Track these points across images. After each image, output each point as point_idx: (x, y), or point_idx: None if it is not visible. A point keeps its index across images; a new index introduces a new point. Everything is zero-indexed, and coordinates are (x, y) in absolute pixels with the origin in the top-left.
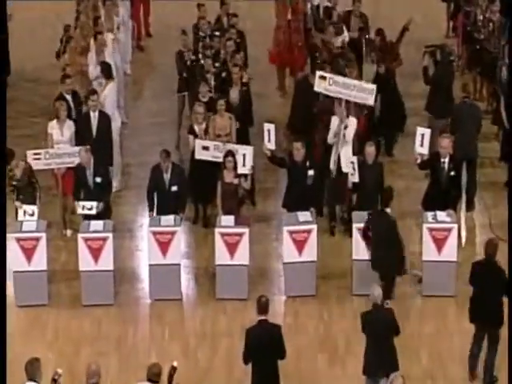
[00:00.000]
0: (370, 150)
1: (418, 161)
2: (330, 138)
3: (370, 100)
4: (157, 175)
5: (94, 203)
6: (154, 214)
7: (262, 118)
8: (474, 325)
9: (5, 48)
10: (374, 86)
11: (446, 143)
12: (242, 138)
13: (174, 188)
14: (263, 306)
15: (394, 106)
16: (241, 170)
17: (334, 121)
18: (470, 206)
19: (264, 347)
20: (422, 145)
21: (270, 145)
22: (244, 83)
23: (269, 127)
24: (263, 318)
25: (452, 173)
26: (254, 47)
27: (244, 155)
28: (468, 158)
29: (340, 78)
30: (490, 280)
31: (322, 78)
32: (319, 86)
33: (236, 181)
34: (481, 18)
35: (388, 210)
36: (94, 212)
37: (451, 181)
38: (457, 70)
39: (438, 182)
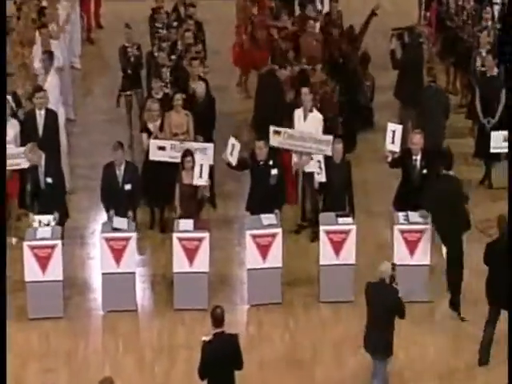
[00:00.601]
0: (338, 147)
1: (389, 159)
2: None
3: (328, 151)
4: (109, 173)
5: (51, 217)
6: (112, 213)
7: (223, 113)
8: (490, 308)
9: None
10: (330, 138)
11: (417, 139)
12: (206, 136)
13: (128, 186)
14: (218, 318)
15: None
16: (197, 182)
17: (297, 115)
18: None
19: (222, 360)
20: (392, 142)
21: (232, 159)
22: (201, 77)
23: (233, 142)
24: (219, 330)
25: (424, 170)
26: (213, 38)
27: (201, 166)
28: (434, 147)
29: (295, 131)
30: (505, 258)
31: (276, 132)
32: (274, 141)
33: (202, 180)
34: (454, 5)
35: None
36: (52, 225)
37: (423, 179)
38: (427, 54)
39: (409, 181)
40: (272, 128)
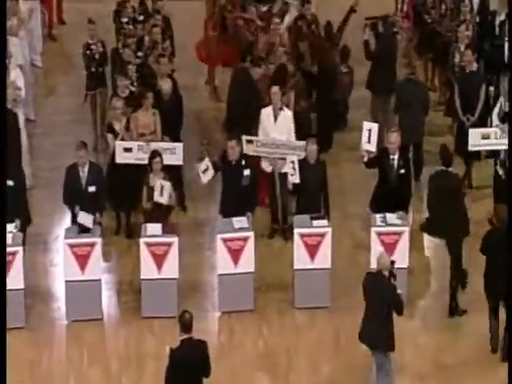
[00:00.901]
0: (312, 148)
1: (365, 159)
2: (260, 136)
3: (303, 155)
4: (72, 174)
5: (12, 225)
6: (77, 209)
7: (191, 112)
8: (488, 300)
9: None
10: (303, 143)
11: (394, 138)
12: (173, 136)
13: (92, 188)
14: (187, 324)
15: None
16: (158, 199)
17: (265, 114)
18: (416, 178)
19: (190, 367)
20: (369, 141)
21: (204, 177)
22: (169, 75)
23: (208, 164)
24: (187, 336)
25: (402, 170)
26: (181, 34)
27: (162, 186)
28: (414, 142)
29: (268, 139)
30: (503, 249)
31: (249, 142)
32: (248, 150)
33: (164, 183)
34: None
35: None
36: (14, 231)
37: (401, 179)
38: (403, 45)
39: (386, 181)
40: (244, 137)
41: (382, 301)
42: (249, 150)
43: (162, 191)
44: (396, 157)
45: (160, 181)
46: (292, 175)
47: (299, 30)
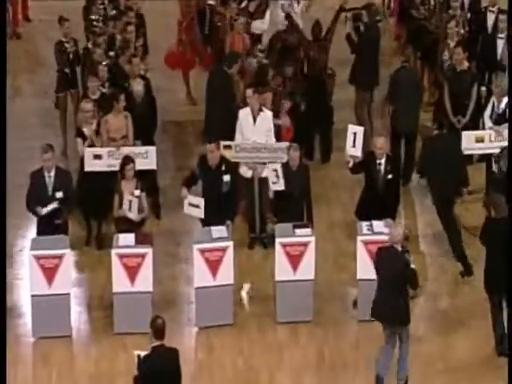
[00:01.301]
0: (295, 154)
1: (350, 164)
2: (238, 139)
3: (285, 159)
4: (38, 180)
5: None
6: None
7: (165, 115)
8: (491, 297)
9: None
10: (286, 144)
11: (381, 143)
12: (146, 140)
13: (59, 194)
14: (159, 330)
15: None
16: (127, 214)
17: (243, 115)
18: (405, 183)
19: (161, 376)
20: (354, 145)
21: (196, 201)
22: (142, 76)
23: (191, 200)
24: (159, 343)
25: (389, 176)
26: (155, 32)
27: (130, 202)
28: (408, 133)
29: (247, 143)
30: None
31: (227, 147)
32: (226, 156)
33: (137, 192)
34: None
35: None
36: None
37: (388, 185)
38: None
39: (373, 187)
40: (222, 143)
41: (395, 275)
42: (227, 155)
43: (131, 206)
44: (383, 161)
45: (128, 196)
46: (274, 183)
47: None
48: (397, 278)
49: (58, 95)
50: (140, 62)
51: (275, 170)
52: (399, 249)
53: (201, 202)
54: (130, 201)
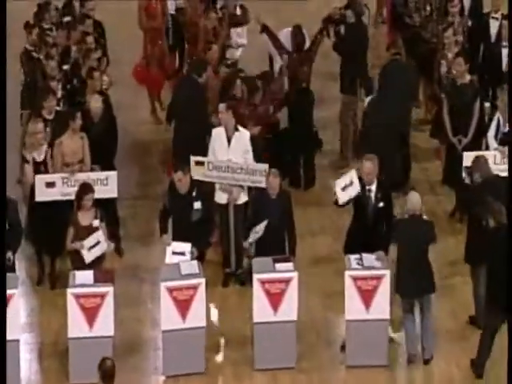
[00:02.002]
0: (274, 182)
1: (338, 196)
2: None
3: (263, 183)
4: None
5: None
6: None
7: (127, 136)
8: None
9: None
10: (265, 166)
11: (369, 168)
12: (106, 164)
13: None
14: (108, 373)
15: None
16: (85, 257)
17: (216, 135)
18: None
19: None
20: (344, 190)
21: (181, 248)
22: (102, 91)
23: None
24: None
25: (381, 204)
26: (115, 42)
27: (81, 246)
28: (399, 136)
29: (222, 161)
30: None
31: (199, 163)
32: (196, 173)
33: (96, 222)
34: None
35: None
36: None
37: (379, 214)
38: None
39: (362, 218)
40: (193, 158)
41: (421, 242)
42: (198, 173)
43: (91, 249)
44: (373, 188)
45: (81, 244)
46: (257, 233)
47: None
48: (422, 245)
49: (22, 112)
50: (101, 76)
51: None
52: (418, 214)
53: (187, 247)
54: (82, 246)
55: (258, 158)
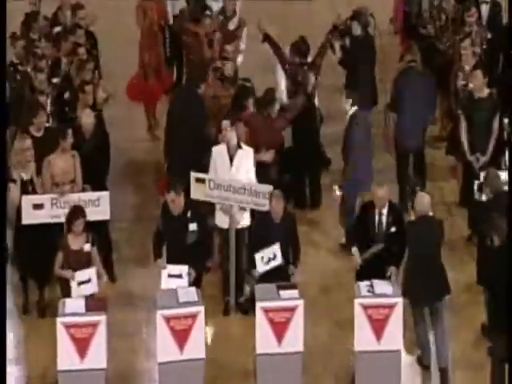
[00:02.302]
0: (278, 206)
1: (257, 264)
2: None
3: (266, 206)
4: None
5: None
6: None
7: (120, 154)
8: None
9: None
10: (270, 188)
11: (382, 194)
12: (98, 184)
13: None
14: None
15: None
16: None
17: (217, 153)
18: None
19: None
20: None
21: (177, 270)
22: (95, 106)
23: (171, 271)
24: None
25: (393, 229)
26: (108, 53)
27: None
28: (414, 149)
29: (224, 180)
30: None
31: (199, 180)
32: (196, 192)
33: (87, 247)
34: (428, 5)
35: None
36: None
37: (391, 240)
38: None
39: (372, 242)
40: (193, 175)
41: (433, 243)
42: (198, 192)
43: (81, 285)
44: (385, 212)
45: (72, 274)
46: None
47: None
48: (435, 246)
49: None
50: (93, 90)
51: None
52: (430, 214)
53: (183, 269)
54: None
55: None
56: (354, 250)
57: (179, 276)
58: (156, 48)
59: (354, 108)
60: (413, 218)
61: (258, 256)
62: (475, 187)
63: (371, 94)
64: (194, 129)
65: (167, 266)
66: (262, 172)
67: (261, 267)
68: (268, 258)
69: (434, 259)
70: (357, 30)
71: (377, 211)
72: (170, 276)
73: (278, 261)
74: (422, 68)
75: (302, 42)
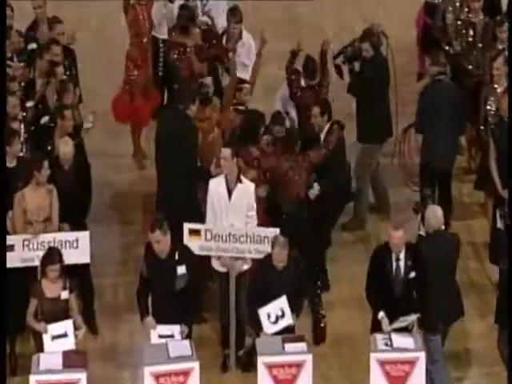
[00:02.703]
0: (282, 253)
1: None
2: (209, 219)
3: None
4: None
5: None
6: None
7: (105, 187)
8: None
9: None
10: (275, 231)
11: (399, 238)
12: (77, 222)
13: None
14: None
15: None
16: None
17: (214, 187)
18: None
19: None
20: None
21: (168, 331)
22: (72, 134)
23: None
24: None
25: (412, 274)
26: (88, 71)
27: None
28: (442, 170)
29: (224, 229)
30: None
31: (194, 232)
32: (192, 245)
33: (65, 294)
34: (452, 19)
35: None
36: None
37: (411, 287)
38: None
39: (390, 292)
40: (187, 225)
41: (448, 260)
42: (194, 245)
43: (55, 339)
44: (402, 255)
45: (45, 327)
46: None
47: None
48: (450, 264)
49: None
50: (73, 115)
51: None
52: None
53: (175, 329)
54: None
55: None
56: (382, 315)
57: (171, 336)
58: (145, 64)
59: None
60: (422, 232)
61: (262, 313)
62: (497, 216)
63: (385, 124)
64: (184, 157)
65: (156, 325)
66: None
67: (269, 328)
68: (275, 315)
69: (450, 280)
70: (368, 51)
71: (394, 256)
72: (160, 337)
73: (288, 320)
74: (451, 81)
75: (311, 62)
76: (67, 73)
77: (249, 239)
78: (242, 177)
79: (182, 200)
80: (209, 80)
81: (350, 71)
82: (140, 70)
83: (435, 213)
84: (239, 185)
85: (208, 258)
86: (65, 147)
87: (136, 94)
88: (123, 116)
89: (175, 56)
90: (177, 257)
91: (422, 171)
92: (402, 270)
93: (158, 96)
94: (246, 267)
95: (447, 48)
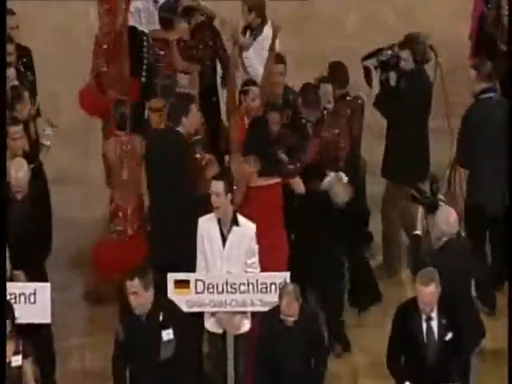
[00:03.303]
0: (293, 306)
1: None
2: (200, 266)
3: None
4: None
5: None
6: None
7: (71, 226)
8: None
9: None
10: (284, 276)
11: (430, 292)
12: (33, 270)
13: None
14: None
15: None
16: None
17: (204, 228)
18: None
19: None
20: None
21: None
22: (26, 154)
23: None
24: None
25: (449, 335)
26: (52, 78)
27: None
28: (495, 212)
29: (221, 276)
30: None
31: (181, 283)
32: (179, 300)
33: (17, 359)
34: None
35: None
36: None
37: (446, 352)
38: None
39: (421, 358)
40: (171, 276)
41: (465, 274)
42: (181, 300)
43: None
44: (434, 314)
45: None
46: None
47: None
48: (468, 277)
49: None
50: (22, 133)
51: None
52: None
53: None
54: None
55: None
56: None
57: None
58: (118, 56)
59: None
60: (434, 241)
61: None
62: None
63: (420, 161)
64: (175, 185)
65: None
66: None
67: None
68: None
69: (467, 296)
70: (408, 62)
71: (423, 316)
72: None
73: None
74: (502, 99)
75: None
76: (21, 78)
77: (251, 287)
78: (238, 216)
79: (175, 241)
80: (184, 79)
81: (382, 82)
82: (112, 63)
83: (447, 217)
84: (235, 228)
85: (200, 317)
86: (16, 172)
87: (108, 88)
88: (91, 110)
89: (157, 51)
90: (161, 317)
91: (468, 217)
92: (436, 332)
93: (135, 92)
94: (247, 325)
95: (502, 46)
